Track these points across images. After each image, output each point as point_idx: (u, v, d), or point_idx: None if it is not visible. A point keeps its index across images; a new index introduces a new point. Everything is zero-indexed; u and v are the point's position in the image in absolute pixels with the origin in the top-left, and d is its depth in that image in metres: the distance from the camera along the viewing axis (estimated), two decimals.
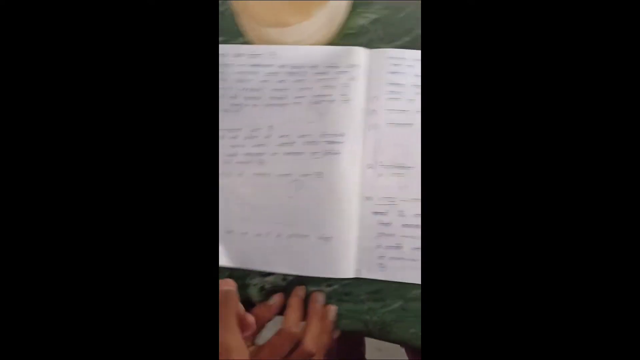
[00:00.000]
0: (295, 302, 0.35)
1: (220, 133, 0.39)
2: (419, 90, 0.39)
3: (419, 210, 0.37)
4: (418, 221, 0.37)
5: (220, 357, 0.26)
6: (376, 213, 0.37)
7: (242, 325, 0.30)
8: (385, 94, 0.39)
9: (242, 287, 0.37)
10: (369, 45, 0.40)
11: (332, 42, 0.41)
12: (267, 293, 0.37)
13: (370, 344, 0.86)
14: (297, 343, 0.33)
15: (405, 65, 0.39)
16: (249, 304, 0.36)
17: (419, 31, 0.40)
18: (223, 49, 0.41)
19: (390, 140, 0.38)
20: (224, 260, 0.37)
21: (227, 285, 0.32)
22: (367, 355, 0.83)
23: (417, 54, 0.40)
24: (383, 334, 0.37)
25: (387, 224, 0.37)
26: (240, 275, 0.38)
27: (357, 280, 0.37)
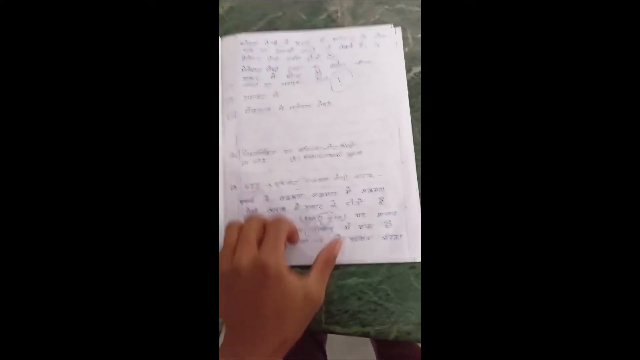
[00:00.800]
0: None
1: None
2: (274, 72, 0.39)
3: (283, 193, 0.36)
4: (283, 204, 0.36)
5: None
6: (243, 201, 0.37)
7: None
8: (240, 80, 0.39)
9: None
10: (226, 34, 0.40)
11: None
12: None
13: (333, 337, 0.85)
14: None
15: (259, 50, 0.39)
16: None
17: (273, 14, 0.40)
18: None
19: (250, 126, 0.38)
20: None
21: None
22: (329, 349, 0.82)
23: (271, 36, 0.40)
24: None
25: (253, 211, 0.37)
26: None
27: None
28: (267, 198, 0.37)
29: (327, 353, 0.81)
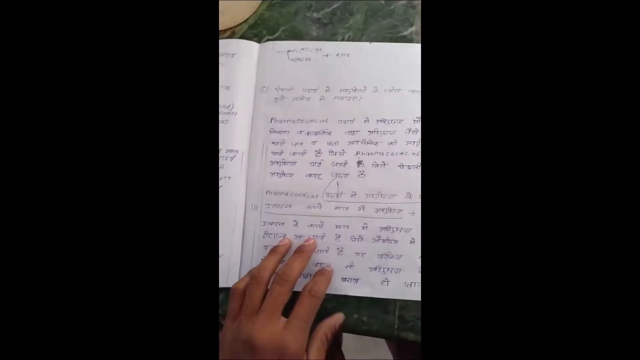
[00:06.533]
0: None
1: None
2: None
3: None
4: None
5: None
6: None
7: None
8: None
9: None
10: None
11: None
12: None
13: (348, 337, 0.83)
14: None
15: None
16: None
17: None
18: None
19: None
20: None
21: None
22: (345, 350, 0.80)
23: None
24: None
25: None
26: None
27: None
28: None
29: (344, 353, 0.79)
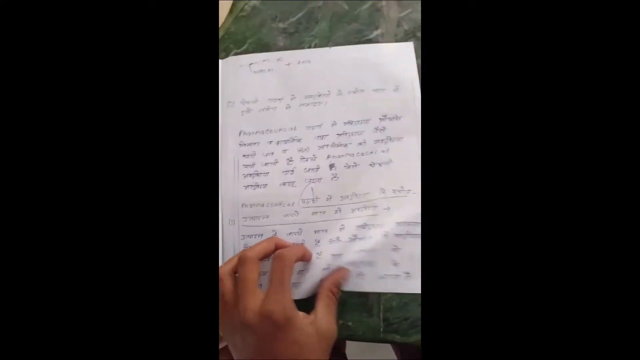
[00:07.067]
0: None
1: None
2: None
3: None
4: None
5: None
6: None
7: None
8: None
9: None
10: (263, 25, 0.38)
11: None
12: None
13: (352, 343, 0.82)
14: None
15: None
16: None
17: (313, 4, 0.38)
18: None
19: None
20: None
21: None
22: (349, 354, 0.80)
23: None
24: None
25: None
26: None
27: None
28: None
29: (347, 354, 0.79)
